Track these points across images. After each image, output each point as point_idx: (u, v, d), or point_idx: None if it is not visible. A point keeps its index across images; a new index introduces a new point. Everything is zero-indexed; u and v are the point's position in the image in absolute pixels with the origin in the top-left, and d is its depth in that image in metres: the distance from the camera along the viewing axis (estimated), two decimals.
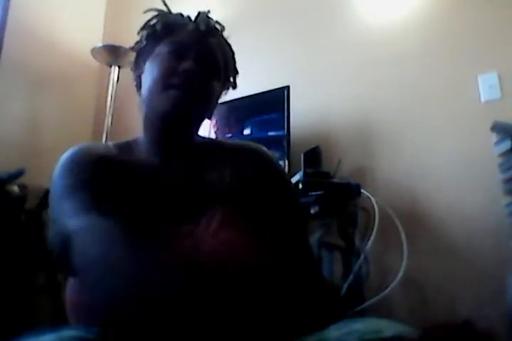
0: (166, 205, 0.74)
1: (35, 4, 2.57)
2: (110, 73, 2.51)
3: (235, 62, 0.89)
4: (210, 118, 0.85)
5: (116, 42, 2.45)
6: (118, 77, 2.50)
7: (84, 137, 2.67)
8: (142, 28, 0.86)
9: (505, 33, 1.73)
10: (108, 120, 2.46)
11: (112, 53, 2.44)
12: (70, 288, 0.73)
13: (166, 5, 0.88)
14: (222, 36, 0.88)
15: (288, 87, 1.96)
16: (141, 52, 0.85)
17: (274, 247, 0.73)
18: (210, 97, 0.82)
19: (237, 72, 0.91)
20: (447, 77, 1.82)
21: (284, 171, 0.90)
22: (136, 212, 0.71)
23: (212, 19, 0.86)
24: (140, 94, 0.84)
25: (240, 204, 0.75)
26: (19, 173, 1.74)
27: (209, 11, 0.87)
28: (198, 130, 0.86)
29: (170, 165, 0.79)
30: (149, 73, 0.80)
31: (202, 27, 0.82)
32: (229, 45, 0.89)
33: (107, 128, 2.45)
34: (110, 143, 0.85)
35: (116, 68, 2.50)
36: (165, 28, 0.83)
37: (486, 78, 1.73)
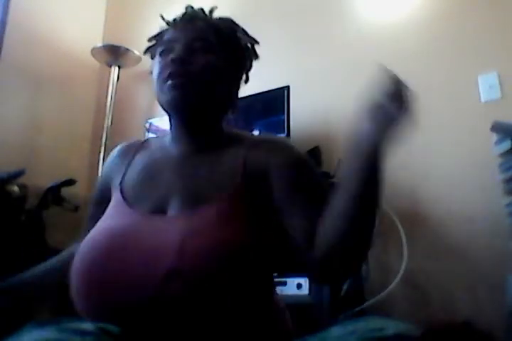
0: (167, 192, 0.78)
1: (36, 4, 2.57)
2: (110, 73, 2.51)
3: (237, 37, 0.89)
4: (230, 99, 0.86)
5: (116, 42, 2.45)
6: (118, 77, 2.50)
7: (84, 137, 2.66)
8: (145, 52, 0.91)
9: (506, 33, 1.73)
10: (108, 120, 2.47)
11: (112, 53, 2.44)
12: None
13: (163, 19, 0.89)
14: (221, 19, 0.89)
15: (288, 87, 1.96)
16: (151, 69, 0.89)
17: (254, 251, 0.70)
18: (213, 73, 0.81)
19: (247, 49, 0.91)
20: (447, 77, 1.82)
21: (308, 161, 0.86)
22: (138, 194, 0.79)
23: (194, 8, 0.88)
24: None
25: (241, 197, 0.76)
26: (19, 173, 1.74)
27: (212, 10, 0.90)
28: (218, 115, 0.86)
29: (186, 157, 0.83)
30: (153, 78, 0.84)
31: (178, 18, 0.85)
32: (229, 23, 0.89)
33: (107, 128, 2.45)
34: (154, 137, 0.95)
35: (116, 68, 2.49)
36: (156, 38, 0.87)
37: (486, 78, 1.73)
